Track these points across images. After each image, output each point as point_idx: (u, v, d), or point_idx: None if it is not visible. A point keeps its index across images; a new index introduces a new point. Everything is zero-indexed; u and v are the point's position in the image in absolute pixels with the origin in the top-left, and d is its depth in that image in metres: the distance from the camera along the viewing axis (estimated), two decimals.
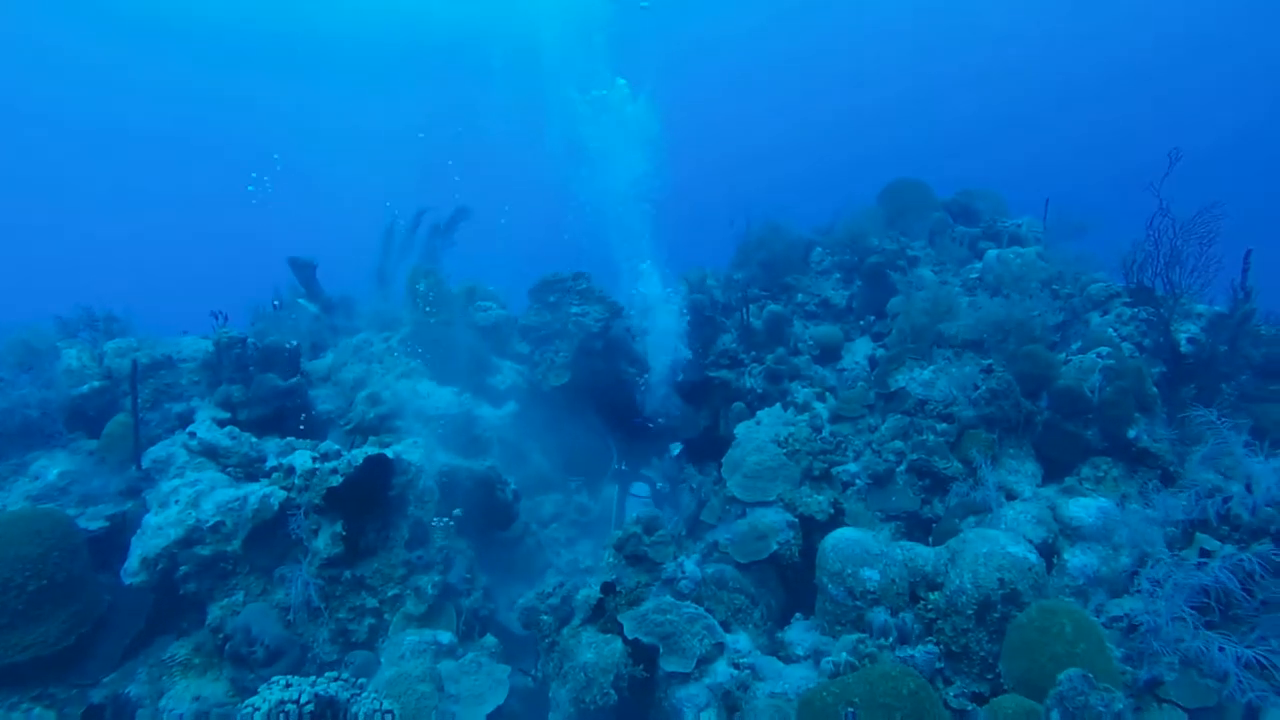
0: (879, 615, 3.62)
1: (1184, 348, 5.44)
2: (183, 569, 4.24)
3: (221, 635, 4.08)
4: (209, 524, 4.42)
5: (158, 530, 4.31)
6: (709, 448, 6.31)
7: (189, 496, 4.57)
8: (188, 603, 4.36)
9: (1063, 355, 5.47)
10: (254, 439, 5.41)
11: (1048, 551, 4.31)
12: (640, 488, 6.37)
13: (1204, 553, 3.39)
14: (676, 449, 6.42)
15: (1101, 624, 3.87)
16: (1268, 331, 5.64)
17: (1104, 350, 5.05)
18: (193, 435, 5.22)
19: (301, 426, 5.62)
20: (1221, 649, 2.98)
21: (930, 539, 4.86)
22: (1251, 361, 5.71)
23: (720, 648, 3.71)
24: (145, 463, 5.01)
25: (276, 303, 8.19)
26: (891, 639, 3.48)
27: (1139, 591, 3.82)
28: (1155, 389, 5.18)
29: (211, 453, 5.22)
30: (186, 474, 4.87)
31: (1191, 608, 3.20)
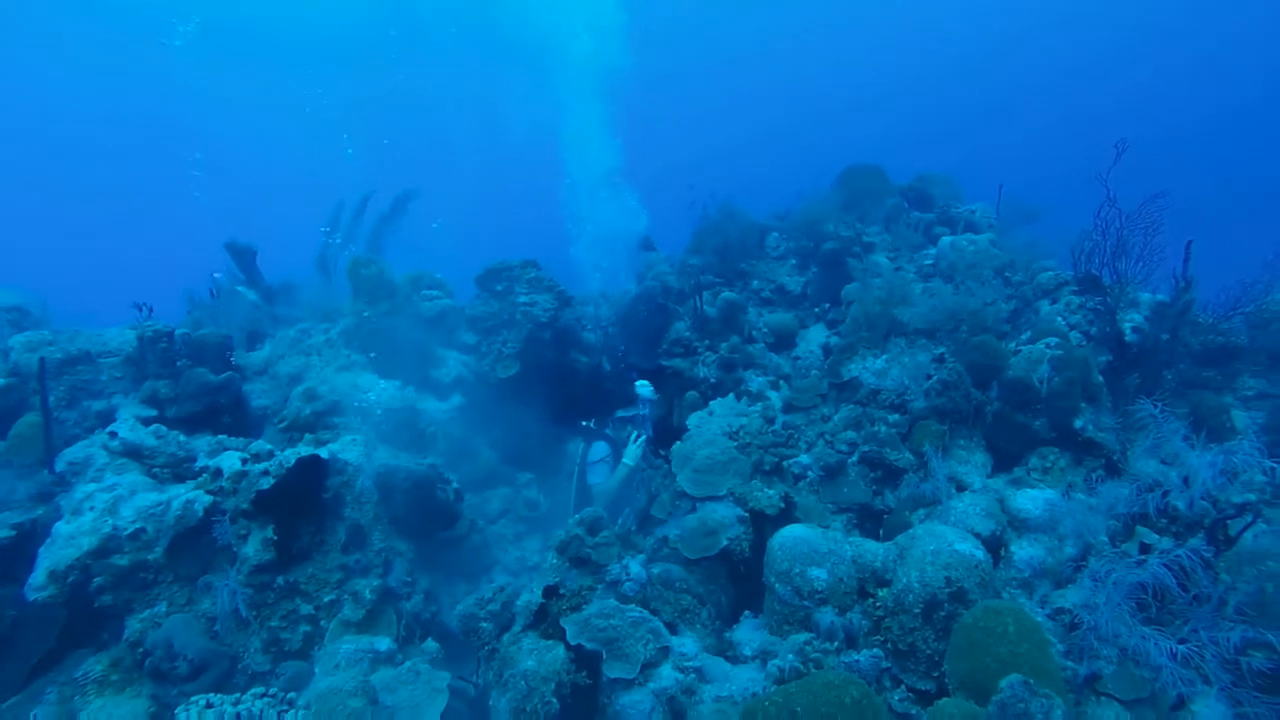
0: (826, 616, 3.57)
1: (1128, 336, 5.50)
2: (97, 580, 3.97)
3: (141, 650, 3.84)
4: (128, 531, 4.15)
5: (69, 540, 4.02)
6: (661, 438, 6.21)
7: (106, 502, 4.29)
8: (106, 615, 4.09)
9: (1013, 345, 5.48)
10: (182, 437, 5.12)
11: (996, 544, 4.32)
12: (600, 448, 6.17)
13: (1144, 546, 3.41)
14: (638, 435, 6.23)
15: (1046, 615, 3.92)
16: (1205, 320, 5.74)
17: (1052, 341, 5.06)
18: (114, 435, 4.90)
19: (227, 420, 5.33)
20: (1156, 643, 2.99)
21: (881, 531, 4.86)
22: (1190, 349, 5.83)
23: (666, 651, 3.61)
24: (60, 465, 4.68)
25: (213, 290, 7.81)
26: (838, 642, 3.43)
27: (1082, 582, 3.85)
28: (1101, 378, 5.23)
29: (135, 453, 4.91)
30: (105, 477, 4.57)
31: (1131, 603, 3.21)
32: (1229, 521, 3.23)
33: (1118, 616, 3.08)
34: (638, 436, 6.02)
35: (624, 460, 5.91)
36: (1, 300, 5.92)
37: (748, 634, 4.01)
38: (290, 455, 4.34)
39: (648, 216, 8.72)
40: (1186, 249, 5.31)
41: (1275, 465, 3.42)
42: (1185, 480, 3.48)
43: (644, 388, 6.35)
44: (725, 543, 4.56)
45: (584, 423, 6.25)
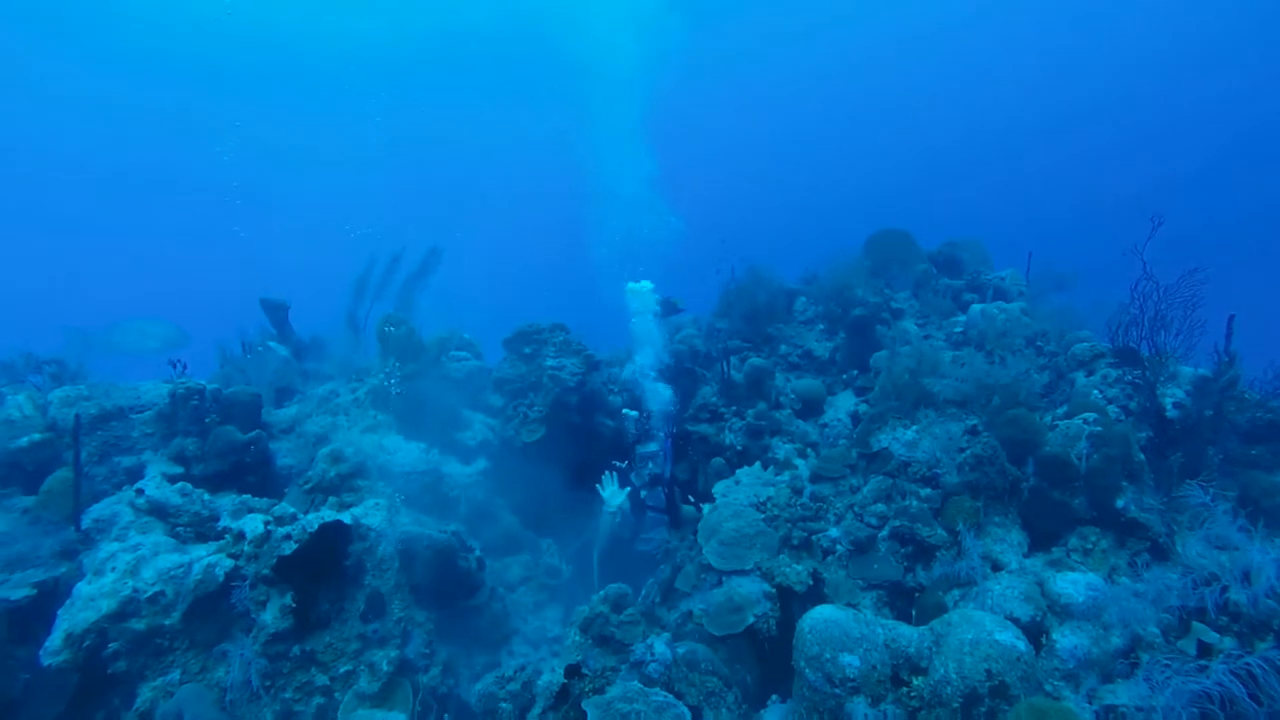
0: (859, 708, 3.38)
1: (1170, 412, 5.33)
2: (113, 646, 3.92)
3: None
4: (147, 594, 4.12)
5: (89, 602, 4.00)
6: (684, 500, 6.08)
7: (128, 563, 4.27)
8: (118, 679, 4.02)
9: (1049, 419, 5.34)
10: (207, 496, 5.13)
11: (1036, 630, 4.11)
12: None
13: (1202, 645, 3.21)
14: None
15: (1095, 712, 3.69)
16: (1251, 396, 5.56)
17: (1090, 416, 4.93)
18: (140, 492, 4.93)
19: (252, 479, 5.33)
20: None
21: (914, 611, 4.66)
22: (1236, 426, 5.63)
23: None
24: (85, 522, 4.70)
25: (245, 345, 7.96)
26: None
27: (1134, 679, 3.63)
28: (1142, 455, 5.06)
29: (160, 511, 4.93)
30: (129, 536, 4.57)
31: (1195, 711, 3.00)
32: None
33: None
34: (624, 485, 5.78)
35: (611, 503, 5.69)
36: (44, 354, 6.07)
37: None
38: (314, 520, 4.32)
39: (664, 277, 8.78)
40: (1229, 323, 5.19)
41: None
42: (1245, 575, 3.29)
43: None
44: (752, 620, 4.41)
45: (612, 467, 6.02)
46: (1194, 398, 5.43)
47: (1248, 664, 2.84)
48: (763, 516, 5.06)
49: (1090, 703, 3.76)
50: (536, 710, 3.59)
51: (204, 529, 4.97)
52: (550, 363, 6.29)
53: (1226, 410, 5.49)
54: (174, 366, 5.77)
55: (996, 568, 4.74)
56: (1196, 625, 3.34)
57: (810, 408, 7.11)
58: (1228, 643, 3.17)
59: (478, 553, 4.94)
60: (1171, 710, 2.92)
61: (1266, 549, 3.37)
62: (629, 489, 5.74)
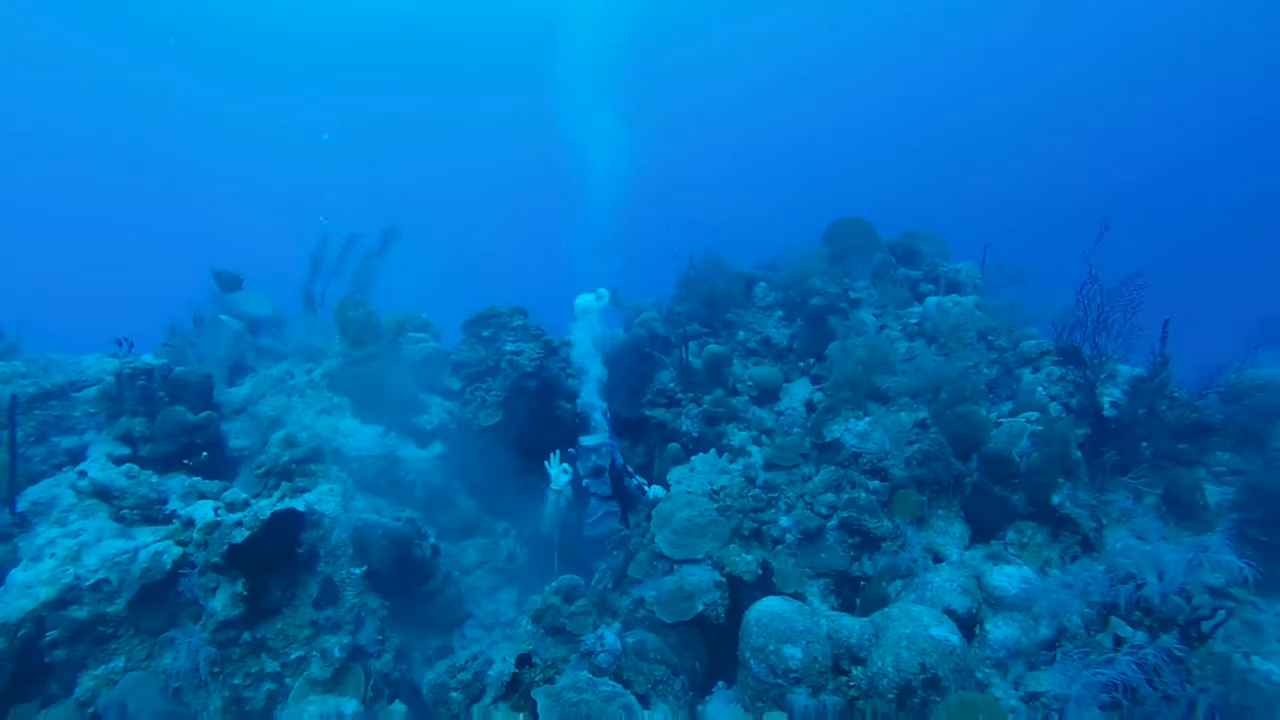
0: (799, 700, 3.53)
1: (1107, 411, 5.58)
2: (51, 634, 3.85)
3: (91, 710, 3.71)
4: (90, 581, 4.04)
5: (24, 589, 3.90)
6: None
7: (69, 548, 4.18)
8: (57, 668, 3.95)
9: (994, 415, 5.54)
10: (155, 478, 5.00)
11: (971, 621, 4.32)
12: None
13: (1118, 639, 3.42)
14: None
15: (1020, 697, 3.91)
16: (1181, 396, 5.84)
17: (1034, 415, 5.13)
18: (83, 474, 4.80)
19: (203, 461, 5.23)
20: None
21: (858, 600, 4.85)
22: (1166, 423, 5.92)
23: None
24: (22, 505, 4.57)
25: (196, 319, 7.73)
26: None
27: (1056, 668, 3.85)
28: (1079, 453, 5.30)
29: (104, 494, 4.81)
30: (70, 520, 4.46)
31: (1106, 698, 3.22)
32: (1202, 620, 3.25)
33: (1087, 716, 3.08)
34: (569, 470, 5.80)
35: (554, 484, 5.70)
36: None
37: (720, 708, 3.95)
38: (265, 507, 4.27)
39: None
40: (1164, 327, 5.42)
41: (1244, 565, 3.46)
42: (1159, 573, 3.50)
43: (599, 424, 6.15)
44: (701, 608, 4.53)
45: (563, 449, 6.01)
46: (1130, 397, 5.69)
47: (1146, 654, 3.06)
48: (715, 506, 5.16)
49: (1016, 689, 3.99)
50: (487, 700, 3.66)
51: (151, 511, 4.85)
52: (509, 347, 6.26)
53: (1158, 409, 5.76)
54: (120, 345, 5.58)
55: (938, 559, 4.95)
56: (1114, 620, 3.56)
57: (767, 395, 7.23)
58: (1139, 637, 3.38)
59: (432, 539, 4.95)
60: (1083, 699, 3.13)
61: (1177, 547, 3.59)
62: (572, 474, 5.75)
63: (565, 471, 5.65)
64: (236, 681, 4.10)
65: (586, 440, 5.88)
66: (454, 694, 3.70)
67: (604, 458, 5.88)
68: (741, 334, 7.96)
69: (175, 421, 5.30)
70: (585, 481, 5.83)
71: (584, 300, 6.28)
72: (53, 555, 4.13)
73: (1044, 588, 4.31)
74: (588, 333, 6.35)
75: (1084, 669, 3.26)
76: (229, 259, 8.11)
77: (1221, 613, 3.23)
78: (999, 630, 4.23)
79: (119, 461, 5.04)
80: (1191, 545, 3.59)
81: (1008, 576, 4.45)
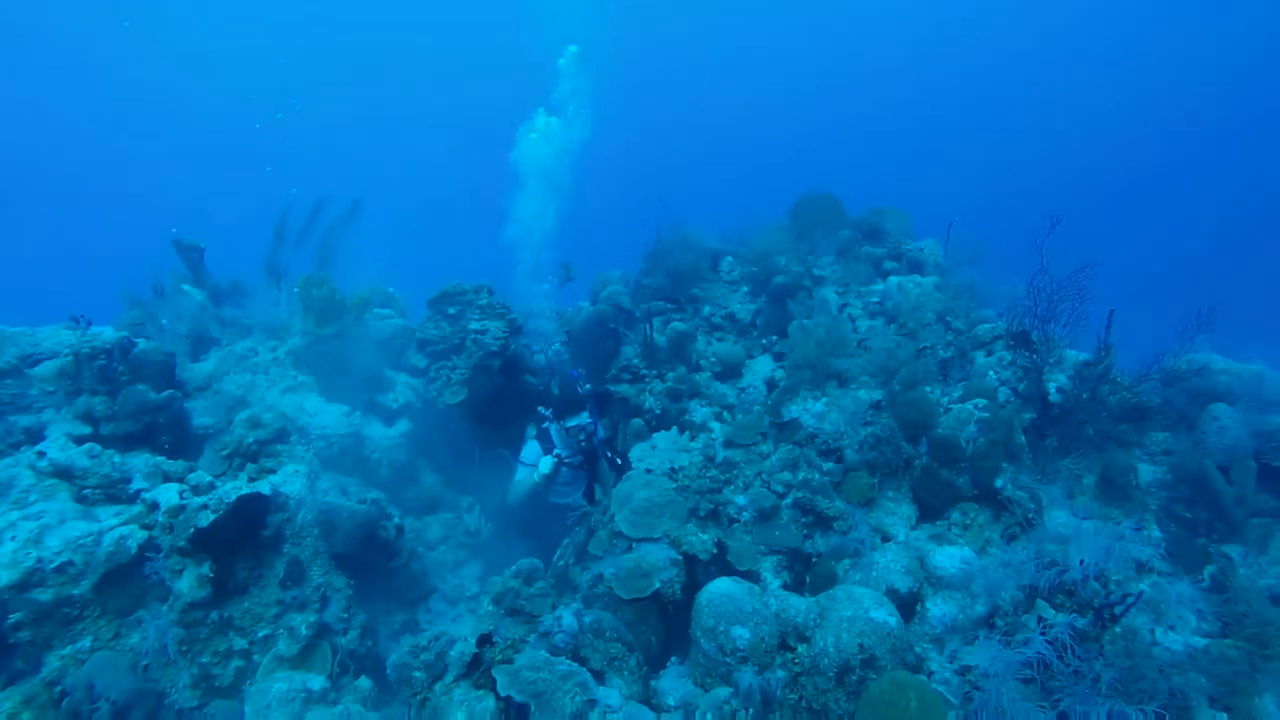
0: (745, 677, 3.75)
1: (1053, 396, 5.82)
2: (15, 616, 3.91)
3: (59, 689, 3.81)
4: (53, 564, 4.09)
5: None
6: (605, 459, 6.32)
7: (30, 531, 4.20)
8: (21, 648, 4.03)
9: (945, 400, 5.74)
10: (118, 457, 5.02)
11: (913, 600, 4.58)
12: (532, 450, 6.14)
13: (1041, 620, 3.67)
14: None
15: (954, 670, 4.19)
16: (1122, 380, 6.10)
17: (981, 403, 5.33)
18: (42, 455, 4.80)
19: (166, 440, 5.25)
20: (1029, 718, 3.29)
21: (808, 578, 5.09)
22: (1108, 406, 6.19)
23: (592, 704, 3.75)
24: None
25: (156, 288, 7.60)
26: (754, 708, 3.62)
27: (985, 642, 4.14)
28: (1024, 438, 5.55)
29: (66, 474, 4.81)
30: (30, 501, 4.48)
31: (1024, 674, 3.49)
32: (1115, 606, 3.51)
33: (1005, 691, 3.35)
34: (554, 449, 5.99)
35: (540, 469, 5.92)
36: None
37: (672, 683, 4.19)
38: (231, 491, 4.33)
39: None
40: (1109, 316, 5.62)
41: (1151, 551, 3.74)
42: (1081, 560, 3.75)
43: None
44: (658, 585, 4.74)
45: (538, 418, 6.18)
46: (1075, 382, 5.93)
47: (1057, 633, 3.34)
48: (674, 486, 5.34)
49: (951, 663, 4.28)
50: (449, 678, 3.83)
51: (115, 490, 4.87)
52: (474, 325, 6.29)
53: (1100, 393, 6.02)
54: (76, 321, 5.50)
55: (886, 539, 5.20)
56: (1040, 603, 3.81)
57: (730, 371, 7.38)
58: (1060, 618, 3.64)
59: (397, 519, 5.07)
60: (1003, 675, 3.41)
61: (1100, 531, 3.86)
62: (553, 454, 5.90)
63: (554, 456, 5.83)
64: (205, 660, 4.22)
65: (570, 421, 6.02)
66: (417, 674, 3.86)
67: (586, 441, 6.07)
68: (707, 309, 8.06)
69: (138, 401, 5.28)
70: (558, 451, 5.98)
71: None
72: (13, 538, 4.15)
73: (982, 567, 4.57)
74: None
75: (1005, 649, 3.51)
76: (192, 229, 7.94)
77: (1130, 598, 3.48)
78: (938, 608, 4.50)
79: (80, 441, 5.04)
80: (1111, 532, 3.85)
81: (949, 557, 4.70)
